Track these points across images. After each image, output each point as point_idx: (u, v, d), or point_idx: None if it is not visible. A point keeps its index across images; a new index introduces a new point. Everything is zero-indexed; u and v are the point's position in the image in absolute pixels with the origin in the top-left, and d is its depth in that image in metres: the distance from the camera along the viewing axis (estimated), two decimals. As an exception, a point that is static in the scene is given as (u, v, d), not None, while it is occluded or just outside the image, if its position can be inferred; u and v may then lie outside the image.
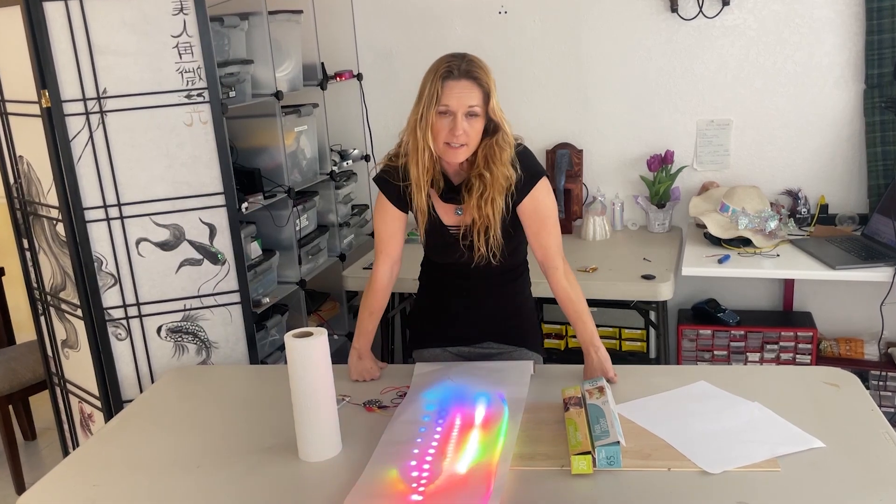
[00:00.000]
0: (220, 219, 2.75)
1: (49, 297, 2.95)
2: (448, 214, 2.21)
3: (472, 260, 2.19)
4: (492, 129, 2.08)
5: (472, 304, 2.32)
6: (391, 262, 2.31)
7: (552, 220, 2.20)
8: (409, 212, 2.24)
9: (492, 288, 2.30)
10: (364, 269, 3.44)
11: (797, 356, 3.41)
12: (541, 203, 2.18)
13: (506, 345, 2.35)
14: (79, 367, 2.90)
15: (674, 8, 3.51)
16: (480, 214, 2.12)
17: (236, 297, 2.83)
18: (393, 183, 2.20)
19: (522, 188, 2.14)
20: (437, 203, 2.20)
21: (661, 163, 3.60)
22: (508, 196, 2.12)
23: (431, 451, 1.83)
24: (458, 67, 2.02)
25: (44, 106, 2.55)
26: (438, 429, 1.92)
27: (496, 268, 2.22)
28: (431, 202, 2.19)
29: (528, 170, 2.15)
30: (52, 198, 2.67)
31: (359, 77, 3.95)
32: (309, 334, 1.84)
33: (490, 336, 2.35)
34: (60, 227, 2.69)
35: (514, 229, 2.20)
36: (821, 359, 3.45)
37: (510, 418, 1.95)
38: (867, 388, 2.11)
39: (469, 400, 2.05)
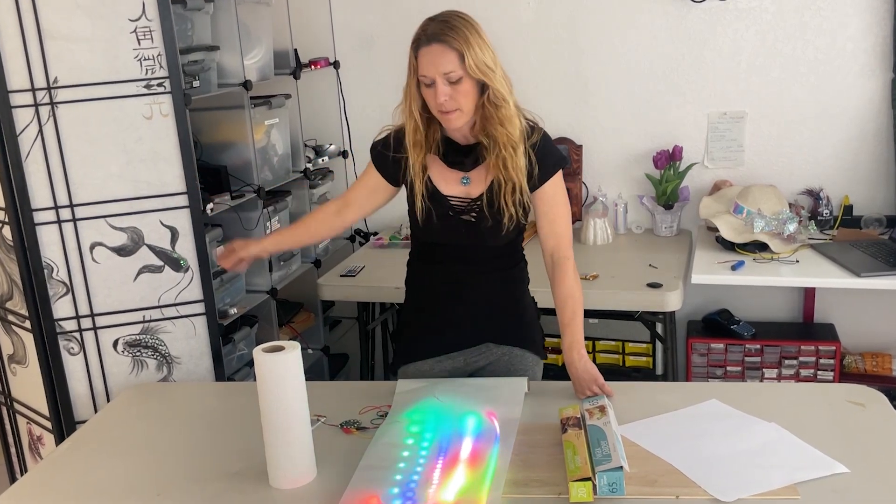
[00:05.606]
0: (183, 221, 2.75)
1: (-7, 308, 2.94)
2: (450, 184, 2.25)
3: (471, 237, 2.23)
4: (482, 87, 2.13)
5: (468, 296, 2.33)
6: (342, 206, 2.42)
7: (567, 209, 2.31)
8: (396, 186, 2.32)
9: (489, 276, 2.32)
10: (341, 276, 3.43)
11: (818, 372, 3.42)
12: (559, 189, 2.28)
13: (505, 345, 2.36)
14: (27, 384, 2.89)
15: (682, -10, 3.54)
16: (501, 172, 2.17)
17: (200, 308, 2.83)
18: (385, 152, 2.29)
19: (545, 173, 2.22)
20: (439, 172, 2.24)
21: (668, 159, 3.62)
22: (529, 168, 2.18)
23: (416, 476, 1.83)
24: (427, 32, 2.10)
25: (-13, 96, 2.55)
26: (423, 452, 1.92)
27: (493, 252, 2.28)
28: (429, 173, 2.24)
29: (553, 155, 2.25)
30: (-3, 198, 2.67)
31: (335, 65, 3.95)
32: (280, 348, 1.84)
33: (488, 336, 2.36)
34: (7, 231, 2.68)
35: (524, 212, 2.26)
36: (844, 375, 3.46)
37: (502, 442, 1.96)
38: (895, 407, 2.12)
39: (457, 420, 2.05)
